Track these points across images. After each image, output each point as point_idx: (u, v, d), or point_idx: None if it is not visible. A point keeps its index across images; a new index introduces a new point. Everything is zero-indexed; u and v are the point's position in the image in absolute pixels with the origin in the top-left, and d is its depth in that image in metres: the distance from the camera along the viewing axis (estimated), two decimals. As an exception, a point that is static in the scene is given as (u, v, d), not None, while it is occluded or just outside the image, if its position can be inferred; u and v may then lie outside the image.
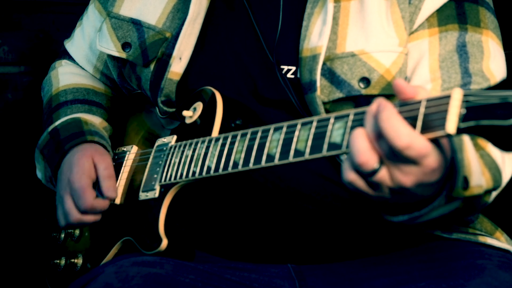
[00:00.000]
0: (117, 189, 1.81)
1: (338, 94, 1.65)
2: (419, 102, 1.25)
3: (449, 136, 1.22)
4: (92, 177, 1.79)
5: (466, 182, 1.35)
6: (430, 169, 1.26)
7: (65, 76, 2.10)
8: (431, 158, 1.26)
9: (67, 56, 2.17)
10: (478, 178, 1.39)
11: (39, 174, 1.99)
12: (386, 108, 1.24)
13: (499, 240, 1.75)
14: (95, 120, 1.98)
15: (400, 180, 1.27)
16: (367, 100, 1.64)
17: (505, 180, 1.59)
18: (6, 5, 2.53)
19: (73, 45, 2.14)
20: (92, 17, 2.06)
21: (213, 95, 1.72)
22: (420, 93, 1.26)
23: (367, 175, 1.27)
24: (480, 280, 1.51)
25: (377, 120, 1.25)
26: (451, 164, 1.32)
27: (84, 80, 2.10)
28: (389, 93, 1.64)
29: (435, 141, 1.25)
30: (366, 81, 1.63)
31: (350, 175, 1.30)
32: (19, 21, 2.56)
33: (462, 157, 1.32)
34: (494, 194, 1.56)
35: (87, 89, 2.07)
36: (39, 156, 1.95)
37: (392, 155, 1.25)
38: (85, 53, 2.11)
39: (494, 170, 1.51)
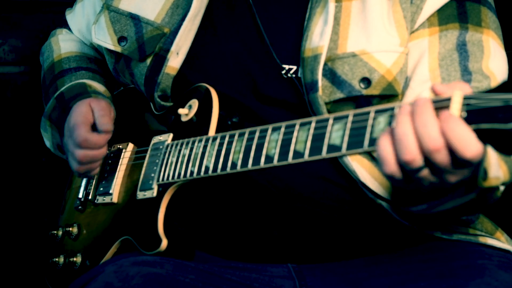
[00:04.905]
0: (112, 125, 1.80)
1: (339, 95, 1.65)
2: None
3: None
4: (89, 118, 1.81)
5: (485, 173, 1.34)
6: (474, 166, 1.26)
7: (67, 43, 2.13)
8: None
9: (67, 26, 2.19)
10: (496, 170, 1.38)
11: (47, 143, 2.01)
12: (451, 118, 1.19)
13: (499, 240, 1.75)
14: (99, 88, 1.99)
15: (448, 179, 1.26)
16: (367, 100, 1.64)
17: None
18: (6, 5, 2.53)
19: (72, 19, 2.17)
20: None
21: (208, 92, 1.71)
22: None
23: (412, 172, 1.24)
24: (480, 280, 1.51)
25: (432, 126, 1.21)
26: None
27: (85, 49, 2.12)
28: (390, 94, 1.64)
29: None
30: (366, 81, 1.63)
31: (392, 168, 1.24)
32: (19, 21, 2.56)
33: (485, 149, 1.30)
34: (502, 188, 1.55)
35: (89, 57, 2.10)
36: (46, 124, 1.97)
37: (452, 161, 1.21)
38: (82, 30, 2.13)
39: (510, 163, 1.50)
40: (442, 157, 1.21)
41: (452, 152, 1.20)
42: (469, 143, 1.18)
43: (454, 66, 1.64)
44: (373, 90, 1.63)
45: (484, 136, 1.17)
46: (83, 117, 1.80)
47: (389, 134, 1.25)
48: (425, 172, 1.25)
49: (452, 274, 1.55)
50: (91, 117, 1.81)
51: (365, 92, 1.63)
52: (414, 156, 1.22)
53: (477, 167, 1.31)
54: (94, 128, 1.81)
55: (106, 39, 1.88)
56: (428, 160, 1.22)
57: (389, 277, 1.63)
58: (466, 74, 1.63)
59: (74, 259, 1.89)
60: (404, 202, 1.47)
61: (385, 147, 1.24)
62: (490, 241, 1.73)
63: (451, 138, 1.19)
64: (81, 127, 1.78)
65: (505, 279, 1.53)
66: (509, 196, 1.81)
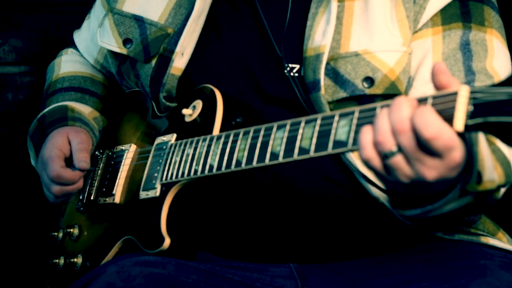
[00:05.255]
0: (89, 161, 1.84)
1: (342, 94, 1.65)
2: (426, 98, 1.24)
3: (457, 133, 1.22)
4: (65, 151, 1.85)
5: (479, 176, 1.34)
6: (455, 164, 1.25)
7: (67, 63, 2.15)
8: (457, 152, 1.24)
9: (74, 45, 2.21)
10: (490, 173, 1.38)
11: (32, 161, 2.02)
12: (422, 107, 1.23)
13: (501, 241, 1.75)
14: (84, 110, 2.01)
15: (422, 173, 1.26)
16: (370, 100, 1.64)
17: None
18: (6, 5, 2.53)
19: (79, 36, 2.19)
20: (97, 11, 2.10)
21: (213, 92, 1.72)
22: (454, 85, 1.24)
23: (385, 156, 1.27)
24: (482, 280, 1.51)
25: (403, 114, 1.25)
26: (468, 158, 1.31)
27: (83, 68, 2.14)
28: (393, 93, 1.64)
29: (461, 135, 1.24)
30: (369, 80, 1.64)
31: (369, 152, 1.28)
32: (19, 21, 2.56)
33: (477, 151, 1.31)
34: (502, 190, 1.56)
35: (84, 77, 2.11)
36: (30, 143, 1.99)
37: (417, 145, 1.24)
38: (87, 45, 2.14)
39: (506, 165, 1.51)
40: (408, 139, 1.24)
41: (416, 135, 1.23)
42: (429, 123, 1.20)
43: (458, 66, 1.64)
44: (376, 90, 1.63)
45: (491, 130, 1.18)
46: (58, 149, 1.83)
47: (371, 125, 1.29)
48: (399, 159, 1.26)
49: (453, 274, 1.55)
50: (66, 150, 1.85)
51: (368, 91, 1.63)
52: (385, 137, 1.25)
53: (468, 170, 1.31)
54: (69, 160, 1.84)
55: (110, 42, 1.88)
56: (399, 146, 1.26)
57: (390, 277, 1.62)
58: (469, 74, 1.63)
59: (75, 260, 1.89)
60: (398, 205, 1.47)
61: (365, 134, 1.28)
62: (492, 241, 1.73)
63: (415, 119, 1.22)
64: (55, 161, 1.82)
65: (507, 279, 1.53)
66: (511, 197, 1.81)
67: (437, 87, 1.26)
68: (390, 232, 1.73)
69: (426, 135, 1.21)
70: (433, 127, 1.20)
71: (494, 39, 1.68)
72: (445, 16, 1.67)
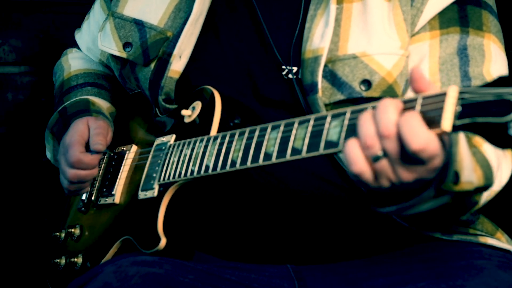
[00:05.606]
0: (105, 144, 1.86)
1: (339, 96, 1.64)
2: (415, 99, 1.24)
3: (444, 133, 1.22)
4: (85, 137, 1.87)
5: (456, 176, 1.34)
6: (435, 168, 1.26)
7: (76, 61, 2.18)
8: (439, 159, 1.25)
9: (76, 46, 2.24)
10: (469, 174, 1.37)
11: (48, 154, 2.05)
12: (409, 112, 1.23)
13: (500, 241, 1.75)
14: (103, 105, 2.05)
15: (403, 176, 1.27)
16: (367, 102, 1.63)
17: (503, 182, 1.59)
18: (6, 5, 2.54)
19: (80, 38, 2.21)
20: (97, 14, 2.11)
21: (212, 94, 1.72)
22: (432, 90, 1.25)
23: (374, 160, 1.26)
24: (479, 280, 1.51)
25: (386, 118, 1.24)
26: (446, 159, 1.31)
27: (94, 66, 2.17)
28: (390, 96, 1.63)
29: (442, 138, 1.25)
30: (367, 83, 1.63)
31: (360, 165, 1.27)
32: (19, 21, 2.57)
33: (456, 151, 1.31)
34: (485, 195, 1.55)
35: (97, 73, 2.14)
36: (48, 136, 2.01)
37: (400, 152, 1.24)
38: (88, 46, 2.17)
39: (486, 168, 1.50)
40: (392, 144, 1.24)
41: (402, 143, 1.23)
42: (416, 135, 1.21)
43: (454, 71, 1.63)
44: (373, 92, 1.63)
45: (479, 131, 1.17)
46: (78, 135, 1.86)
47: (354, 137, 1.28)
48: (384, 163, 1.27)
49: (451, 274, 1.55)
50: (86, 136, 1.87)
51: (365, 94, 1.63)
52: (373, 141, 1.25)
53: (444, 170, 1.31)
54: (88, 145, 1.87)
55: (111, 46, 1.89)
56: (384, 151, 1.26)
57: (389, 277, 1.62)
58: (466, 80, 1.63)
59: (75, 259, 1.90)
60: (374, 202, 1.47)
61: (353, 147, 1.28)
62: (491, 241, 1.72)
63: (402, 128, 1.22)
64: (75, 146, 1.84)
65: (504, 279, 1.53)
66: (510, 197, 1.81)
67: (416, 91, 1.26)
68: (388, 232, 1.73)
69: (414, 147, 1.21)
70: (421, 139, 1.21)
71: (491, 44, 1.67)
72: (443, 20, 1.66)
